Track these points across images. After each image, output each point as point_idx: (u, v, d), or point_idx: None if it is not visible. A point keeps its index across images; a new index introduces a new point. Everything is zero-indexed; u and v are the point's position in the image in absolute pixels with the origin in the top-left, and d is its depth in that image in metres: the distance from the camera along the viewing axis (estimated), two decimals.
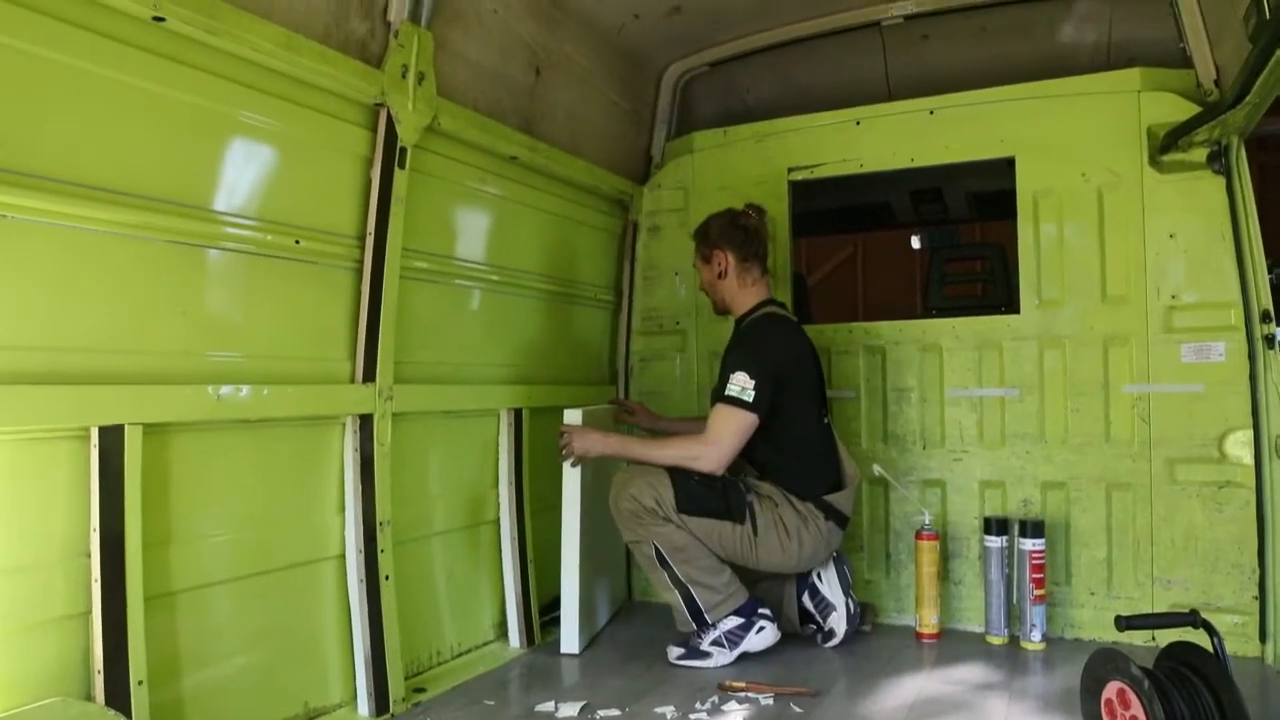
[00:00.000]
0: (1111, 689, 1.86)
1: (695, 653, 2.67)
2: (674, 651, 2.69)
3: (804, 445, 2.83)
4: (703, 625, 2.67)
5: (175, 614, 1.91)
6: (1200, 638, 1.90)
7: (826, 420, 2.91)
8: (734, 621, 2.67)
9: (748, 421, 2.68)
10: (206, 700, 1.97)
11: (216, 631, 2.02)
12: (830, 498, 2.79)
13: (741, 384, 2.66)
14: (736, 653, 2.67)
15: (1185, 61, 2.88)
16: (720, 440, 2.69)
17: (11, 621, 1.62)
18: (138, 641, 1.75)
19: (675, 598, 2.69)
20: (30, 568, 1.65)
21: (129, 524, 1.75)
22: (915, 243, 5.84)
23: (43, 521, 1.67)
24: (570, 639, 2.82)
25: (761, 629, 2.69)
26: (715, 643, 2.66)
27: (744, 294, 2.89)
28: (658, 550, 2.65)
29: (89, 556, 1.71)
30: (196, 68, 1.90)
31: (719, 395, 2.71)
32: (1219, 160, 2.75)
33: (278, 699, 2.15)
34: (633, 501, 2.64)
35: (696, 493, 2.66)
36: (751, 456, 2.82)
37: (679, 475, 2.66)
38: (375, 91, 2.29)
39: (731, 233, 2.87)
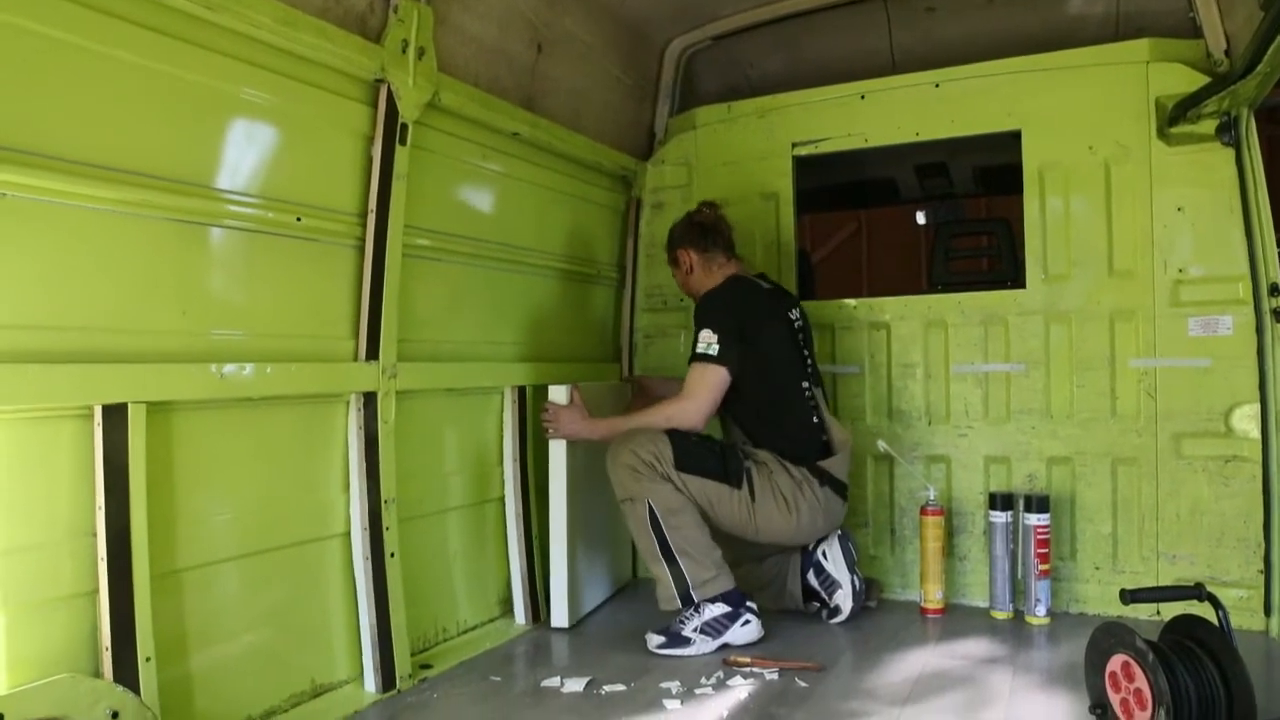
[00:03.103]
0: (1116, 662, 1.86)
1: (677, 639, 2.60)
2: (654, 639, 2.62)
3: (786, 411, 2.84)
4: (687, 604, 2.63)
5: (182, 592, 1.92)
6: (1205, 611, 1.90)
7: (808, 386, 2.89)
8: (720, 609, 2.62)
9: (717, 374, 2.72)
10: (214, 677, 1.98)
11: (223, 609, 2.03)
12: (824, 463, 2.80)
13: (706, 340, 2.74)
14: (718, 643, 2.61)
15: (1195, 31, 2.85)
16: (694, 394, 2.73)
17: (20, 600, 1.62)
18: (145, 619, 1.76)
19: (662, 569, 2.65)
20: (37, 546, 1.65)
21: (134, 502, 1.75)
22: (920, 218, 5.82)
23: (48, 500, 1.68)
24: (560, 612, 2.84)
25: (747, 622, 2.64)
26: (698, 630, 2.60)
27: (712, 279, 2.95)
28: (651, 510, 2.62)
29: (95, 535, 1.72)
30: (195, 44, 1.89)
31: (690, 355, 2.79)
32: (1228, 132, 2.71)
33: (285, 676, 2.16)
34: (631, 456, 2.63)
35: (695, 452, 2.67)
36: (741, 424, 2.85)
37: (677, 435, 2.68)
38: (375, 67, 2.27)
39: (689, 231, 3.02)
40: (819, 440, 2.86)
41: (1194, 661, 1.77)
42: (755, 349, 2.77)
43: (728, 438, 2.95)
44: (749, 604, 2.67)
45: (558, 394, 2.83)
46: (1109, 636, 1.90)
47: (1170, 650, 1.81)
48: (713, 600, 2.62)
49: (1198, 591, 1.95)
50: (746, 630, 2.64)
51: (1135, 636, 1.81)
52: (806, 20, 3.48)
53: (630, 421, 2.79)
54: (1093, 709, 1.94)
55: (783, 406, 2.85)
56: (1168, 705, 1.70)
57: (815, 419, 2.88)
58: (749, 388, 2.79)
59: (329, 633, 2.29)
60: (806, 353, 2.94)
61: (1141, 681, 1.77)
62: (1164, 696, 1.71)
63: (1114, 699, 1.87)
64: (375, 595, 2.32)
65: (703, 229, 3.00)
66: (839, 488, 2.84)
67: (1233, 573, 2.75)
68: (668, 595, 2.66)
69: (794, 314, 2.96)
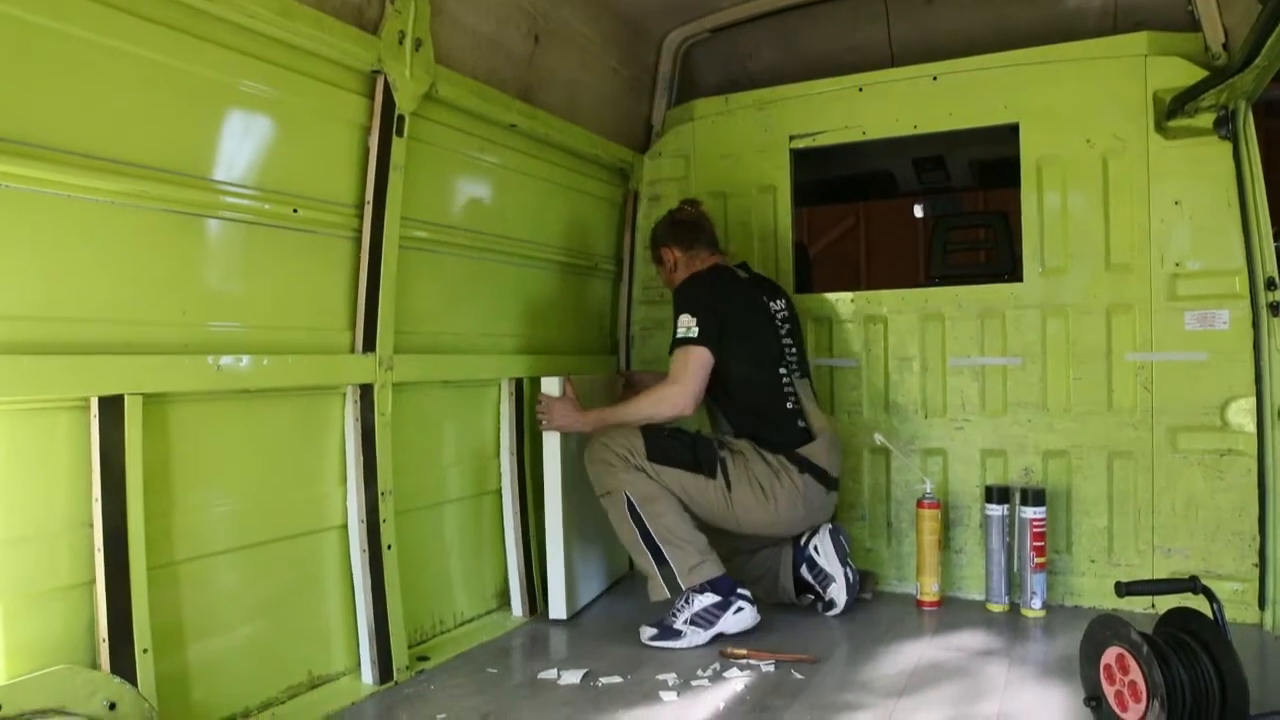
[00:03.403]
0: (1110, 654, 1.87)
1: (668, 632, 2.60)
2: (646, 632, 2.62)
3: (760, 397, 2.85)
4: (677, 593, 2.63)
5: (179, 584, 1.92)
6: (1200, 604, 1.90)
7: (786, 374, 2.89)
8: (710, 599, 2.61)
9: (699, 354, 2.74)
10: (211, 668, 1.98)
11: (220, 601, 2.03)
12: (802, 450, 2.79)
13: (686, 324, 2.77)
14: (711, 633, 2.60)
15: (1193, 25, 2.84)
16: (679, 377, 2.75)
17: (16, 591, 1.62)
18: (142, 611, 1.76)
19: (647, 560, 2.65)
20: (34, 538, 1.65)
21: (130, 494, 1.75)
22: (918, 211, 5.81)
23: (45, 492, 1.68)
24: (558, 604, 2.84)
25: (740, 610, 2.63)
26: (689, 621, 2.60)
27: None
28: (629, 501, 2.64)
29: (91, 526, 1.71)
30: (192, 35, 1.88)
31: (672, 341, 2.81)
32: (1226, 125, 2.71)
33: (282, 667, 2.17)
34: (604, 450, 2.67)
35: (666, 444, 2.70)
36: (724, 413, 2.88)
37: (649, 429, 2.71)
38: (372, 58, 2.26)
39: (671, 229, 3.05)
40: (797, 428, 2.85)
41: (1188, 654, 1.78)
42: (730, 334, 2.78)
43: (715, 429, 2.95)
44: (740, 590, 2.66)
45: (550, 386, 2.84)
46: (1104, 629, 1.91)
47: (1165, 643, 1.81)
48: (701, 590, 2.62)
49: (1193, 584, 1.96)
50: (740, 618, 2.63)
51: (1130, 629, 1.82)
52: (805, 12, 3.48)
53: (621, 411, 2.80)
54: (1087, 701, 1.95)
55: (757, 393, 2.85)
56: (1162, 698, 1.71)
57: (791, 405, 2.87)
58: (725, 373, 2.79)
59: (326, 625, 2.30)
60: (789, 342, 2.94)
61: (1136, 674, 1.78)
62: (1158, 689, 1.72)
63: (1109, 691, 1.87)
64: (372, 587, 2.32)
65: (685, 227, 3.03)
66: (821, 476, 2.82)
67: (1227, 566, 2.76)
68: (656, 586, 2.66)
69: (777, 304, 2.96)
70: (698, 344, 2.74)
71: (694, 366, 2.74)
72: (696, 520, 2.71)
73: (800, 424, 2.86)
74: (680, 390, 2.73)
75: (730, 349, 2.78)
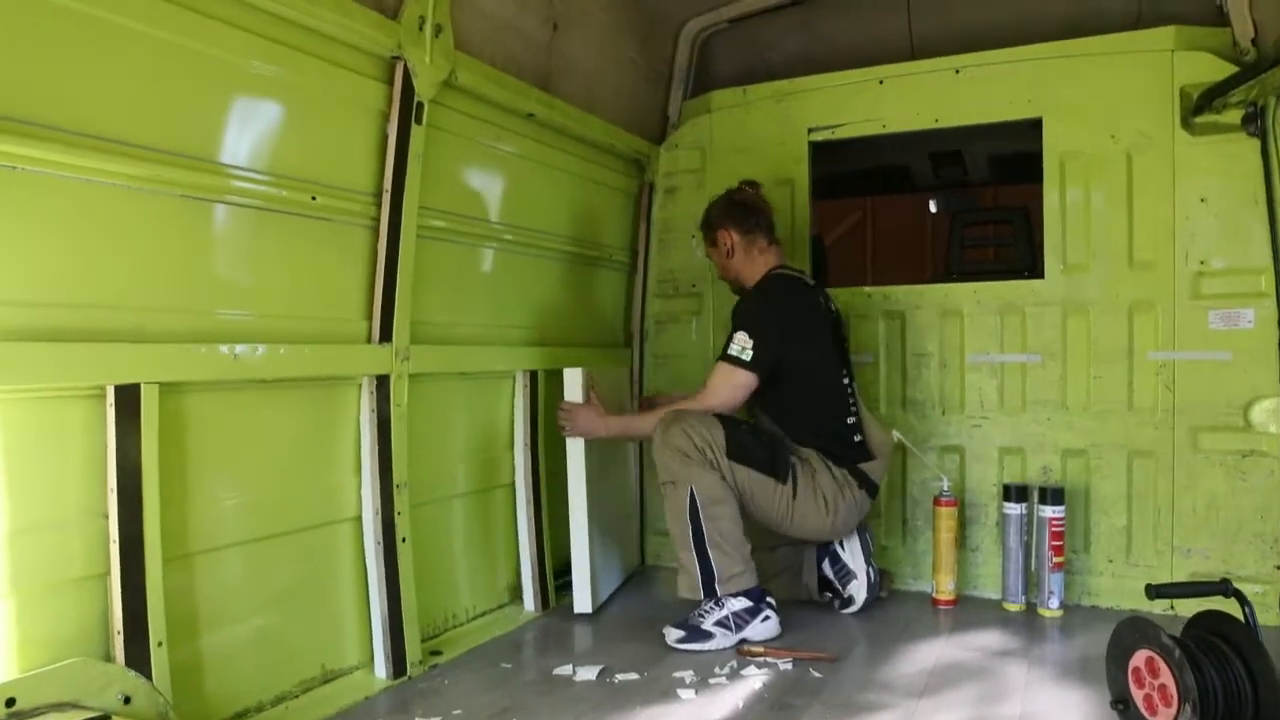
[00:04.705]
0: (1139, 657, 1.84)
1: (697, 633, 2.54)
2: (673, 634, 2.55)
3: (827, 412, 2.80)
4: (710, 595, 2.58)
5: (193, 576, 1.90)
6: (1224, 606, 1.87)
7: (848, 383, 2.86)
8: (743, 604, 2.57)
9: (744, 379, 2.68)
10: (225, 662, 1.96)
11: (234, 593, 2.00)
12: (864, 466, 2.77)
13: (741, 343, 2.68)
14: (739, 637, 2.56)
15: (1221, 19, 2.80)
16: (716, 392, 2.69)
17: (31, 582, 1.60)
18: (156, 603, 1.73)
19: (690, 558, 2.58)
20: (48, 528, 1.62)
21: (146, 484, 1.72)
22: (933, 206, 5.78)
23: (60, 481, 1.65)
24: (583, 599, 2.81)
25: (767, 618, 2.59)
26: (719, 623, 2.55)
27: (754, 265, 2.89)
28: (692, 497, 2.56)
29: (106, 518, 1.69)
30: (210, 16, 1.84)
31: (721, 354, 2.73)
32: (1254, 122, 2.67)
33: (295, 661, 2.14)
34: (684, 439, 2.56)
35: (746, 442, 2.63)
36: (779, 422, 2.80)
37: (730, 422, 2.64)
38: (392, 44, 2.23)
39: (730, 210, 2.90)
40: (856, 443, 2.82)
41: (1220, 658, 1.75)
42: (799, 352, 2.72)
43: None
44: (769, 599, 2.63)
45: (572, 388, 2.79)
46: (1133, 632, 1.88)
47: (1196, 646, 1.78)
48: (735, 595, 2.57)
49: (1223, 587, 1.93)
50: (767, 626, 2.59)
51: (1160, 632, 1.79)
52: (825, 3, 3.44)
53: (643, 421, 2.77)
54: (1114, 704, 1.92)
55: (824, 407, 2.80)
56: (1194, 702, 1.68)
57: (851, 420, 2.83)
58: (790, 389, 2.73)
59: (339, 618, 2.27)
60: (842, 348, 2.90)
61: (1167, 678, 1.75)
62: (1190, 693, 1.69)
63: (1137, 695, 1.84)
64: (386, 581, 2.30)
65: (745, 209, 2.89)
66: (873, 490, 2.81)
67: (1248, 568, 2.73)
68: (690, 585, 2.60)
69: (833, 309, 2.91)
70: (747, 368, 2.66)
71: (735, 387, 2.68)
72: (744, 524, 2.65)
73: (858, 438, 2.83)
74: (711, 406, 2.67)
75: (795, 365, 2.71)
